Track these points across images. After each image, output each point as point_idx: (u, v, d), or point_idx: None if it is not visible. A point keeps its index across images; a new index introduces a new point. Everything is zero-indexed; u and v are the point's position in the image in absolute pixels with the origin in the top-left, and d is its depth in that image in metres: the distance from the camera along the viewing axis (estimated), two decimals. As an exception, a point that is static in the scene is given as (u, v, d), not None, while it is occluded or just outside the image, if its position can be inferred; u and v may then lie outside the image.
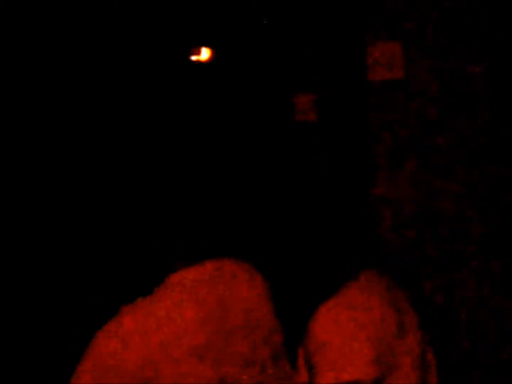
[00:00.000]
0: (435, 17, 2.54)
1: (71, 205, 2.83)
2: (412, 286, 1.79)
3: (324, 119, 2.70)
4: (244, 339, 1.52)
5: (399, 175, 2.53)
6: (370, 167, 2.52)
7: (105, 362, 1.44)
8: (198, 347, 1.46)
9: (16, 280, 2.79)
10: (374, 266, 1.63)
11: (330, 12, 2.67)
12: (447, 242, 2.47)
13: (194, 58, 3.90)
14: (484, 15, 2.49)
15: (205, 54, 4.28)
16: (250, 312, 1.57)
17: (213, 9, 3.19)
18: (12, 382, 2.73)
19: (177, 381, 1.43)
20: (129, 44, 2.87)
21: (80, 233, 2.82)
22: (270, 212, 1.64)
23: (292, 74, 3.08)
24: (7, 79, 2.92)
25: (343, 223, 1.58)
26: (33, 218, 2.86)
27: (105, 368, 1.44)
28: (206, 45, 3.53)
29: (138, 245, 1.65)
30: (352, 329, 1.46)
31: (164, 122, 2.95)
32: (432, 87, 2.52)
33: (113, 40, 2.89)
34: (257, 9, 3.04)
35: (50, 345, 2.78)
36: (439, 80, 2.53)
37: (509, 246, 2.40)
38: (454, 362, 2.38)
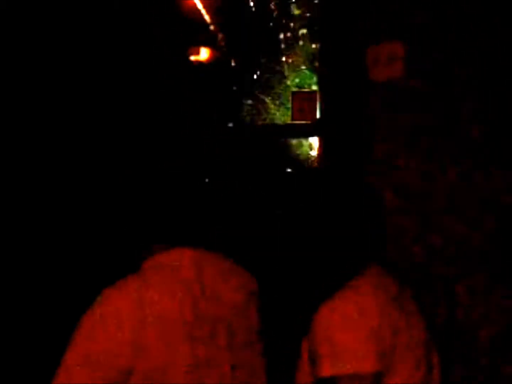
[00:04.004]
0: (436, 17, 2.53)
1: (51, 197, 2.83)
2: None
3: (325, 118, 2.70)
4: (220, 324, 1.55)
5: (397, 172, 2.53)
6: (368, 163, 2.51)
7: (93, 346, 1.45)
8: (176, 329, 1.48)
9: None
10: (380, 264, 1.64)
11: (331, 12, 2.67)
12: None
13: (193, 58, 3.89)
14: (484, 15, 2.49)
15: (204, 54, 4.28)
16: (227, 298, 1.60)
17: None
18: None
19: (161, 359, 1.45)
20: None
21: (57, 220, 2.82)
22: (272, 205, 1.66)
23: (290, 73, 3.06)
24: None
25: (350, 219, 1.59)
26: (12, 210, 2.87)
27: (93, 352, 1.44)
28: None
29: (117, 229, 1.66)
30: (355, 323, 1.47)
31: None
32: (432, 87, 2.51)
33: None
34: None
35: (32, 334, 2.78)
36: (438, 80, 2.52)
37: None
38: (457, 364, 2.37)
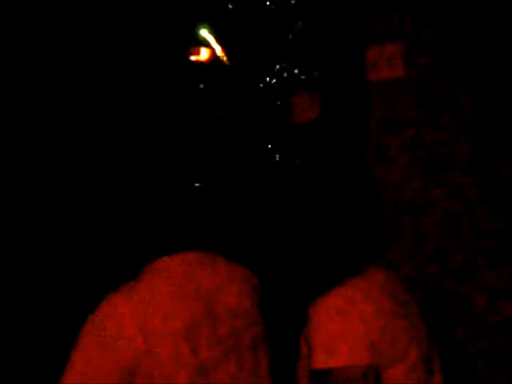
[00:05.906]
0: (435, 17, 2.54)
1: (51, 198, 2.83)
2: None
3: (324, 118, 2.70)
4: (224, 326, 1.55)
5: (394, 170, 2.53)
6: (366, 162, 2.52)
7: (96, 350, 1.45)
8: (179, 332, 1.48)
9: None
10: (378, 261, 1.64)
11: (331, 13, 2.67)
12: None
13: (193, 58, 3.89)
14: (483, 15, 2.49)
15: (204, 54, 4.27)
16: (230, 300, 1.60)
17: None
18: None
19: (165, 363, 1.45)
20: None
21: (57, 223, 2.82)
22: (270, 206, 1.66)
23: (290, 73, 3.07)
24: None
25: (345, 217, 1.59)
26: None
27: (97, 356, 1.44)
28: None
29: (117, 234, 1.66)
30: (350, 316, 1.47)
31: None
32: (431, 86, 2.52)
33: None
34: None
35: (35, 339, 2.78)
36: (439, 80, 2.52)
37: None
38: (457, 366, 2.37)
